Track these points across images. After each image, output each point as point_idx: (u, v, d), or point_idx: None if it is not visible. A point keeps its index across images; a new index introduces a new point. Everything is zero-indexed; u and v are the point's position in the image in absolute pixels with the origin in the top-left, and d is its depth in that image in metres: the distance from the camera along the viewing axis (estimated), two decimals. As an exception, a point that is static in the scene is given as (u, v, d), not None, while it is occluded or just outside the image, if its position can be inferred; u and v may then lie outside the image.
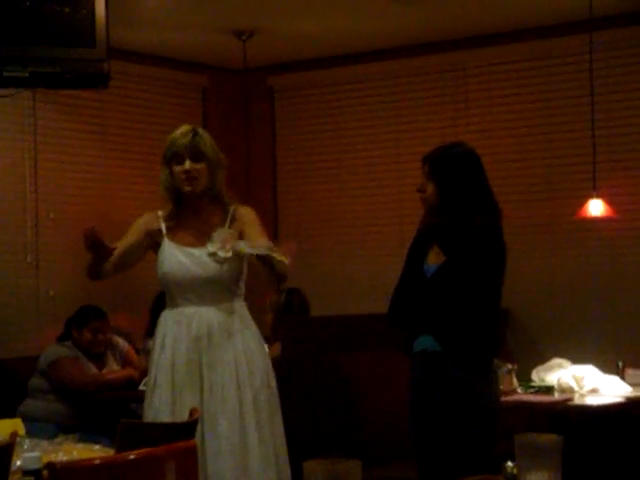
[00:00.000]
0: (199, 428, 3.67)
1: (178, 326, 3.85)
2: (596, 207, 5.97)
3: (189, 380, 3.79)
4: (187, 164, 3.83)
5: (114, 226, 6.95)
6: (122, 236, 4.02)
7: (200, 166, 3.84)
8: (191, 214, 3.92)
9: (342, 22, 6.64)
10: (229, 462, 3.71)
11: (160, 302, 5.72)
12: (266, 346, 4.22)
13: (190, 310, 3.84)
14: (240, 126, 7.53)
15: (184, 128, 3.93)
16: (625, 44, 6.54)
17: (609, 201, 6.01)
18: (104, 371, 5.97)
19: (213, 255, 3.83)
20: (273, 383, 3.92)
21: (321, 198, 7.63)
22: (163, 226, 3.94)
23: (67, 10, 4.77)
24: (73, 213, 6.79)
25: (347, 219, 7.52)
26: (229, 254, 3.80)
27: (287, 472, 3.87)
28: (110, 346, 6.08)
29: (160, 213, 3.98)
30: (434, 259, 3.71)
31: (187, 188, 3.85)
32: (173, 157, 3.87)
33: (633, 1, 6.27)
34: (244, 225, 3.88)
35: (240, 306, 3.91)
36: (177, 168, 3.85)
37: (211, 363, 3.80)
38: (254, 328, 3.94)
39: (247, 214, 3.93)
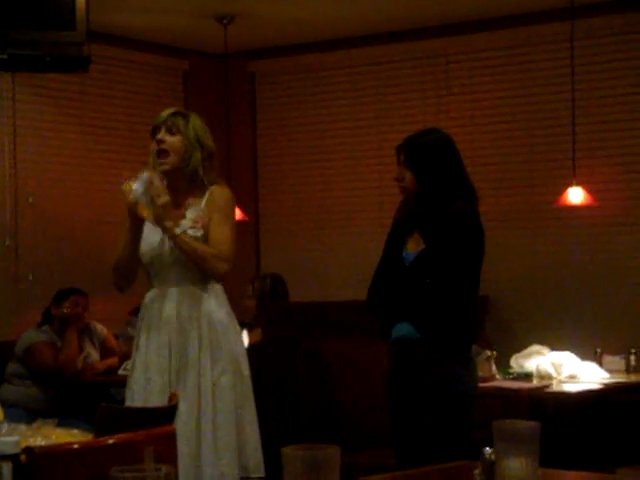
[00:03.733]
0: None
1: (151, 307, 3.82)
2: (576, 195, 6.00)
3: (158, 362, 3.76)
4: (161, 134, 3.80)
5: (94, 210, 6.97)
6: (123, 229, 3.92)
7: (174, 139, 3.79)
8: (170, 194, 3.88)
9: (324, 8, 6.62)
10: (184, 448, 3.60)
11: None
12: (246, 332, 4.21)
13: (162, 291, 3.81)
14: (221, 111, 7.51)
15: (173, 108, 3.96)
16: (606, 32, 6.55)
17: (589, 189, 6.03)
18: (81, 356, 5.94)
19: (183, 232, 3.74)
20: (246, 370, 3.83)
21: (301, 184, 7.62)
22: None
23: (47, -7, 4.74)
24: (52, 197, 6.76)
25: (327, 205, 7.51)
26: (199, 233, 3.76)
27: (257, 459, 3.80)
28: (87, 331, 6.06)
29: None
30: (413, 246, 3.71)
31: (160, 166, 3.80)
32: (153, 130, 3.85)
33: (614, -11, 6.28)
34: (212, 208, 3.81)
35: (212, 289, 3.82)
36: (153, 142, 3.84)
37: (180, 345, 3.76)
38: (226, 312, 3.84)
39: (219, 197, 3.83)
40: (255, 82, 7.84)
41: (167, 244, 3.79)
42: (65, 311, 5.87)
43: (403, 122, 6.95)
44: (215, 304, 3.82)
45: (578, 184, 6.00)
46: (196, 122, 3.88)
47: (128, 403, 3.80)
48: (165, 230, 3.72)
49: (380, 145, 7.23)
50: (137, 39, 7.20)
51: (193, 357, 3.75)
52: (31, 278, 6.55)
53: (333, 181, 7.50)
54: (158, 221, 3.69)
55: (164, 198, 3.69)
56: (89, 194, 6.96)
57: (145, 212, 3.71)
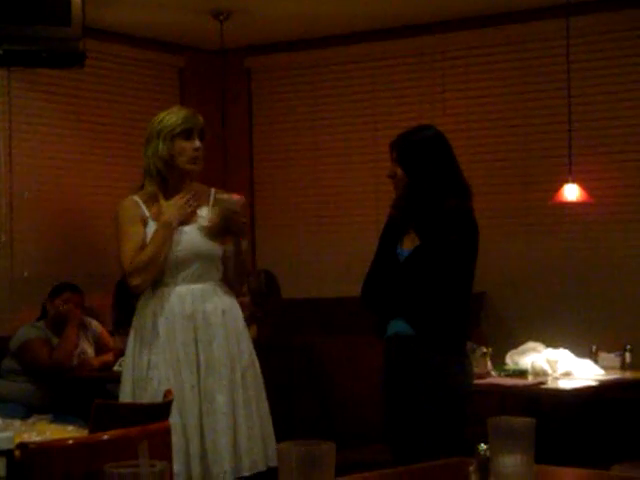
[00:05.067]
0: (196, 406, 3.72)
1: (170, 305, 3.81)
2: (572, 192, 5.99)
3: (186, 358, 3.77)
4: (197, 142, 3.86)
5: (89, 206, 6.96)
6: (123, 232, 3.88)
7: (202, 146, 3.89)
8: (176, 193, 3.90)
9: (320, 4, 6.62)
10: (225, 438, 3.74)
11: (122, 290, 5.69)
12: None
13: (182, 288, 3.83)
14: (217, 107, 7.50)
15: (188, 109, 3.96)
16: (602, 29, 6.55)
17: (584, 186, 6.03)
18: (76, 352, 5.94)
19: (201, 230, 3.86)
20: (257, 363, 3.94)
21: (297, 180, 7.62)
22: (145, 210, 3.89)
23: (43, -12, 4.73)
24: (48, 193, 6.76)
25: (323, 201, 7.51)
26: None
27: (274, 449, 3.86)
28: (82, 327, 6.05)
29: (136, 198, 3.92)
30: (409, 243, 3.71)
31: (192, 166, 3.86)
32: (184, 132, 3.84)
33: (611, -14, 6.28)
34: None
35: (225, 286, 3.93)
36: (187, 144, 3.84)
37: (207, 340, 3.80)
38: (239, 308, 3.97)
39: (229, 206, 3.96)
40: (251, 78, 7.83)
41: (187, 241, 3.84)
42: (61, 309, 5.86)
43: (398, 119, 6.94)
44: (234, 299, 3.93)
45: (574, 181, 5.99)
46: None
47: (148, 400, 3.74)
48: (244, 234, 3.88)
49: (375, 141, 7.23)
50: (133, 35, 7.19)
51: (223, 350, 3.81)
52: (26, 274, 6.54)
53: (329, 177, 7.50)
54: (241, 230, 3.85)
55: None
56: (85, 190, 6.96)
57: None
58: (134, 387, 3.83)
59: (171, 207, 3.84)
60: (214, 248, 3.86)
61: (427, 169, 3.69)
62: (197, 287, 3.84)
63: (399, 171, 3.73)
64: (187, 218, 3.86)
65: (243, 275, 4.01)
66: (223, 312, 3.84)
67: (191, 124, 3.85)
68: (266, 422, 3.90)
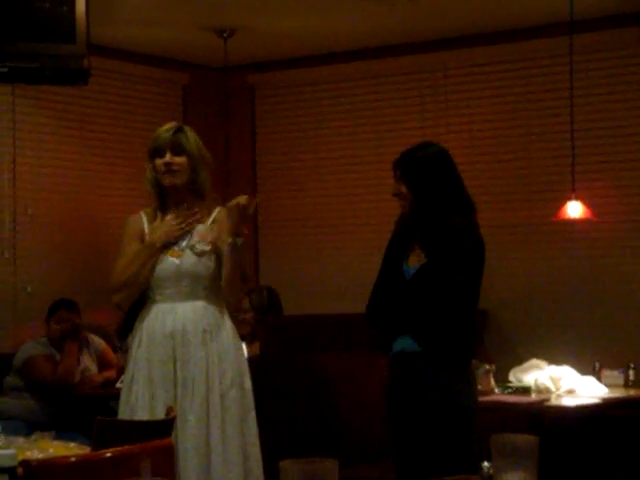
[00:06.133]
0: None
1: (153, 322, 3.85)
2: (575, 209, 5.99)
3: (163, 376, 3.79)
4: (167, 156, 3.86)
5: (92, 222, 6.97)
6: (122, 249, 3.95)
7: (181, 160, 3.87)
8: (174, 210, 3.93)
9: (323, 21, 6.64)
10: (194, 460, 3.72)
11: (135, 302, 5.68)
12: (244, 345, 4.21)
13: (166, 306, 3.85)
14: (220, 124, 7.52)
15: (169, 124, 3.98)
16: (605, 47, 6.57)
17: (588, 203, 6.03)
18: (79, 369, 5.93)
19: (192, 248, 3.85)
20: (247, 384, 3.91)
21: (300, 197, 7.62)
22: (146, 226, 3.94)
23: (47, 5, 4.75)
24: (51, 209, 6.76)
25: (326, 218, 7.52)
26: (207, 247, 3.85)
27: (258, 472, 3.85)
28: (85, 344, 6.05)
29: (142, 213, 4.00)
30: (414, 260, 3.71)
31: (167, 181, 3.87)
32: (156, 151, 3.90)
33: (613, 4, 6.30)
34: (224, 231, 3.88)
35: (216, 303, 3.90)
36: (158, 161, 3.88)
37: (184, 359, 3.81)
38: (230, 326, 3.93)
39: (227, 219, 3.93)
40: (255, 95, 7.85)
41: (185, 262, 3.83)
42: (57, 327, 5.86)
43: (401, 135, 6.94)
44: (221, 318, 3.90)
45: (577, 198, 5.99)
46: (193, 135, 3.94)
47: (126, 417, 3.79)
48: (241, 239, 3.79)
49: (378, 158, 7.23)
50: (137, 52, 7.21)
51: (201, 370, 3.80)
52: (29, 290, 6.54)
53: (331, 194, 7.51)
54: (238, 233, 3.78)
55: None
56: (88, 206, 6.96)
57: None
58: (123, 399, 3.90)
59: (159, 228, 3.89)
60: (201, 267, 3.86)
61: (431, 186, 3.69)
62: (180, 305, 3.85)
63: (403, 189, 3.72)
64: (177, 238, 3.88)
65: (240, 275, 3.87)
66: (204, 331, 3.83)
67: (159, 141, 3.89)
68: (251, 444, 3.85)
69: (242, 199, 3.82)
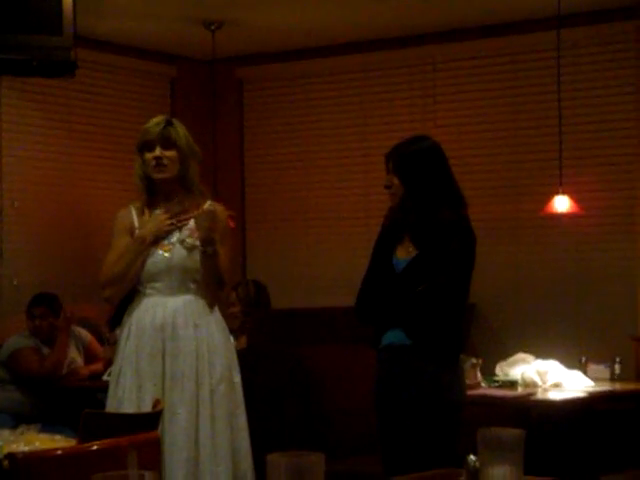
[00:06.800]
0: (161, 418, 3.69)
1: (143, 315, 3.85)
2: (562, 203, 6.01)
3: (151, 369, 3.79)
4: (157, 150, 3.86)
5: (79, 215, 6.95)
6: (112, 243, 3.95)
7: (170, 153, 3.86)
8: (163, 204, 3.92)
9: (311, 15, 6.63)
10: (182, 453, 3.72)
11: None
12: (232, 338, 4.21)
13: (156, 299, 3.85)
14: (208, 117, 7.51)
15: (158, 118, 3.97)
16: (592, 41, 6.58)
17: (575, 197, 6.05)
18: (66, 362, 5.92)
19: (182, 242, 3.86)
20: (237, 377, 3.92)
21: (288, 190, 7.62)
22: (136, 220, 3.94)
23: (34, -3, 4.73)
24: (38, 202, 6.74)
25: (314, 212, 7.52)
26: (197, 242, 3.84)
27: (248, 465, 3.87)
28: (72, 337, 6.03)
29: (131, 206, 3.99)
30: (404, 254, 3.70)
31: (156, 175, 3.86)
32: (145, 145, 3.89)
33: (601, -1, 6.31)
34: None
35: (206, 298, 3.90)
36: (148, 155, 3.87)
37: (174, 353, 3.81)
38: (220, 320, 3.94)
39: (220, 216, 3.93)
40: (243, 88, 7.84)
41: (175, 256, 3.83)
42: (37, 322, 5.85)
43: (390, 129, 6.95)
44: (210, 313, 3.90)
45: (564, 192, 6.01)
46: (182, 129, 3.93)
47: (113, 410, 3.79)
48: (211, 248, 3.78)
49: (366, 152, 7.24)
50: (125, 44, 7.19)
51: (191, 364, 3.80)
52: (16, 283, 6.52)
53: (320, 187, 7.50)
54: (208, 242, 3.77)
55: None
56: (75, 199, 6.95)
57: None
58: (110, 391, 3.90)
59: (149, 222, 3.88)
60: (191, 262, 3.86)
61: (424, 179, 3.69)
62: (170, 299, 3.85)
63: (396, 181, 3.72)
64: (167, 233, 3.87)
65: (214, 281, 3.88)
66: (195, 325, 3.84)
67: (149, 135, 3.88)
68: (240, 438, 3.86)
69: (211, 207, 3.84)
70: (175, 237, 3.88)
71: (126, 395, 3.79)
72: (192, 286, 3.87)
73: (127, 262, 3.84)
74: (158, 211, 3.91)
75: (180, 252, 3.86)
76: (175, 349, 3.80)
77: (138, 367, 3.81)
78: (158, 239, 3.87)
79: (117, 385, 3.86)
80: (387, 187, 3.76)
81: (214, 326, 3.89)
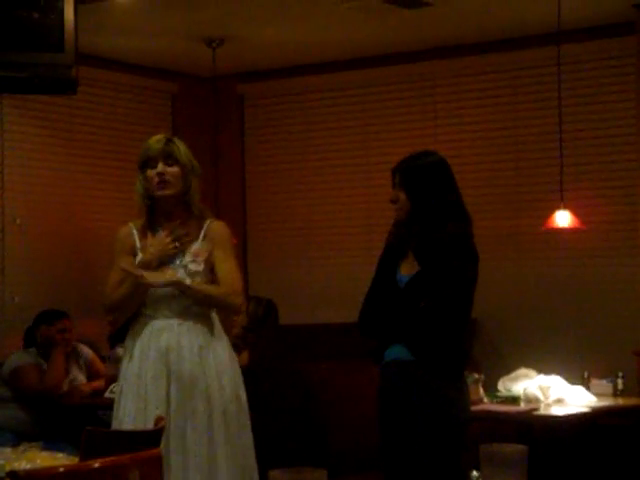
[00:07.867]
0: (164, 442, 3.66)
1: (148, 338, 3.82)
2: (563, 218, 6.01)
3: (155, 392, 3.76)
4: (160, 167, 3.84)
5: (80, 232, 6.95)
6: (115, 261, 3.92)
7: (173, 170, 3.85)
8: (165, 224, 3.90)
9: (312, 31, 6.65)
10: (196, 477, 3.69)
11: None
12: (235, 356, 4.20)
13: (161, 323, 3.83)
14: (209, 133, 7.52)
15: (158, 136, 3.96)
16: (592, 57, 6.60)
17: (576, 212, 6.05)
18: (67, 379, 5.91)
19: (185, 268, 3.83)
20: (243, 397, 3.90)
21: (289, 206, 7.62)
22: (137, 242, 3.92)
23: (36, 15, 4.74)
24: (39, 219, 6.75)
25: (315, 228, 7.52)
26: (200, 267, 3.82)
27: None
28: (74, 354, 6.03)
29: (132, 225, 3.95)
30: (407, 269, 3.70)
31: (159, 192, 3.84)
32: (147, 162, 3.87)
33: (601, 14, 6.32)
34: (214, 245, 3.87)
35: (211, 318, 3.89)
36: (150, 172, 3.86)
37: (179, 376, 3.78)
38: (225, 340, 3.92)
39: (219, 233, 3.92)
40: (244, 105, 7.86)
41: (184, 280, 3.81)
42: (43, 334, 5.84)
43: (390, 145, 6.96)
44: (217, 333, 3.89)
45: (565, 207, 6.01)
46: (183, 146, 3.93)
47: (116, 427, 3.78)
48: (180, 287, 3.77)
49: (367, 168, 7.25)
50: (126, 61, 7.21)
51: (200, 386, 3.77)
52: (17, 300, 6.52)
53: (321, 203, 7.51)
54: (174, 283, 3.75)
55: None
56: (76, 217, 6.95)
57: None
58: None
59: (153, 247, 3.85)
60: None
61: (430, 194, 3.69)
62: (175, 322, 3.83)
63: (402, 196, 3.71)
64: (171, 256, 3.85)
65: (211, 304, 3.88)
66: (200, 348, 3.82)
67: (151, 152, 3.87)
68: (248, 457, 3.85)
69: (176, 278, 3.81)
70: (178, 261, 3.85)
71: (126, 418, 3.77)
72: (196, 310, 3.85)
73: (129, 288, 3.80)
74: (161, 233, 3.89)
75: (183, 278, 3.82)
76: (181, 372, 3.78)
77: (139, 390, 3.78)
78: (161, 264, 3.85)
79: (119, 406, 3.84)
80: (393, 202, 3.75)
81: (219, 348, 3.87)
